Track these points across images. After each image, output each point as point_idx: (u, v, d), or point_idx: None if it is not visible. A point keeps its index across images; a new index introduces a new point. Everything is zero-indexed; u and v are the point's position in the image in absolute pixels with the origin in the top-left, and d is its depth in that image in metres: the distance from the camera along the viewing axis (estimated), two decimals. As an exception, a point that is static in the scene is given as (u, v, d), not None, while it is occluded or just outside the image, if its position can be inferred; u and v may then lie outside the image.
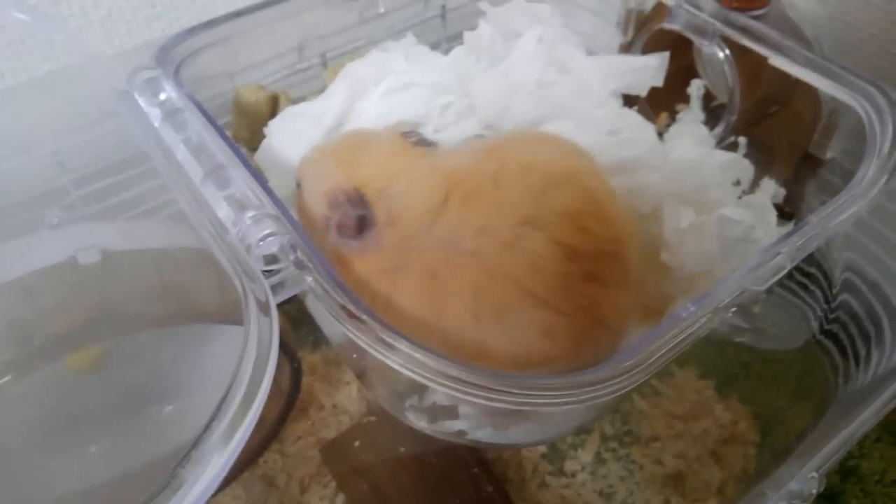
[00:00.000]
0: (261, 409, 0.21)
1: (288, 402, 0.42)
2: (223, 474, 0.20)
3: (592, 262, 0.31)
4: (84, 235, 0.40)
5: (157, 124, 0.33)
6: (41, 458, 0.34)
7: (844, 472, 0.42)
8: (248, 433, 0.21)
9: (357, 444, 0.42)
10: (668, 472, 0.41)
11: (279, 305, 0.27)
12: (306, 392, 0.44)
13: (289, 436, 0.43)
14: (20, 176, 0.43)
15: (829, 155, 0.45)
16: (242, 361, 0.22)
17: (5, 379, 0.35)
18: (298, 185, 0.37)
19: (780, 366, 0.45)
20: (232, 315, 0.37)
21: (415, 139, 0.35)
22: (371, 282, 0.32)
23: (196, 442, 0.20)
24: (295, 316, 0.44)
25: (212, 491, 0.20)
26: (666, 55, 0.45)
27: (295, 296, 0.29)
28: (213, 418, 0.20)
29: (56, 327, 0.38)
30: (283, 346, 0.28)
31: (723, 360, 0.45)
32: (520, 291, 0.30)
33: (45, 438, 0.35)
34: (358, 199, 0.33)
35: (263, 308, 0.25)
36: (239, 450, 0.21)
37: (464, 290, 0.30)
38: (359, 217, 0.32)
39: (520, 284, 0.30)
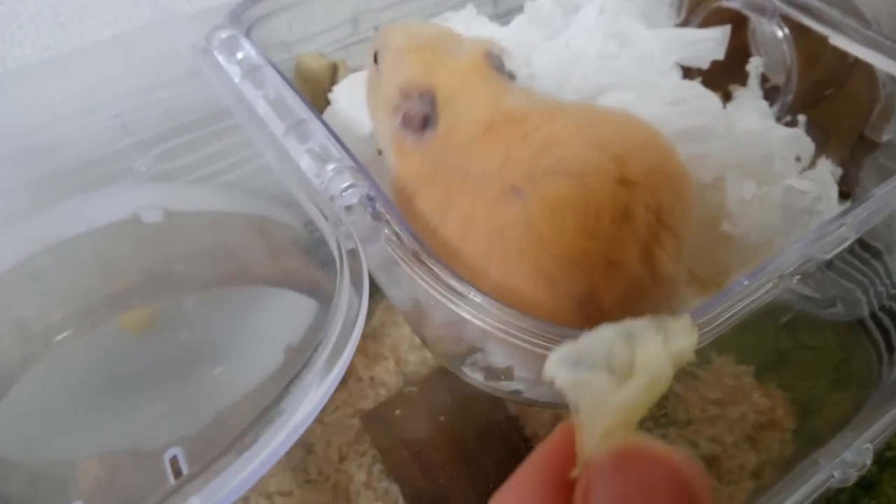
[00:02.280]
0: (357, 341, 0.22)
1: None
2: (323, 403, 0.21)
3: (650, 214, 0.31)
4: (147, 195, 0.41)
5: (237, 81, 0.34)
6: (92, 414, 0.35)
7: (882, 463, 0.41)
8: (347, 364, 0.21)
9: (398, 412, 0.42)
10: (703, 454, 0.41)
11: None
12: (345, 364, 0.45)
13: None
14: (86, 136, 0.44)
15: (885, 138, 0.44)
16: (338, 302, 0.23)
17: (67, 333, 0.36)
18: (375, 58, 0.38)
19: (820, 353, 0.44)
20: (283, 280, 0.38)
21: (496, 65, 0.36)
22: (408, 182, 0.35)
23: (298, 372, 0.21)
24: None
25: (311, 420, 0.21)
26: (727, 28, 0.45)
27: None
28: (314, 350, 0.21)
29: (118, 284, 0.39)
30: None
31: (762, 348, 0.45)
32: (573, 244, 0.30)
33: (98, 395, 0.36)
34: (428, 99, 0.35)
35: (352, 251, 0.26)
36: (338, 381, 0.21)
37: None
38: (425, 116, 0.35)
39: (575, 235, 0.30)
